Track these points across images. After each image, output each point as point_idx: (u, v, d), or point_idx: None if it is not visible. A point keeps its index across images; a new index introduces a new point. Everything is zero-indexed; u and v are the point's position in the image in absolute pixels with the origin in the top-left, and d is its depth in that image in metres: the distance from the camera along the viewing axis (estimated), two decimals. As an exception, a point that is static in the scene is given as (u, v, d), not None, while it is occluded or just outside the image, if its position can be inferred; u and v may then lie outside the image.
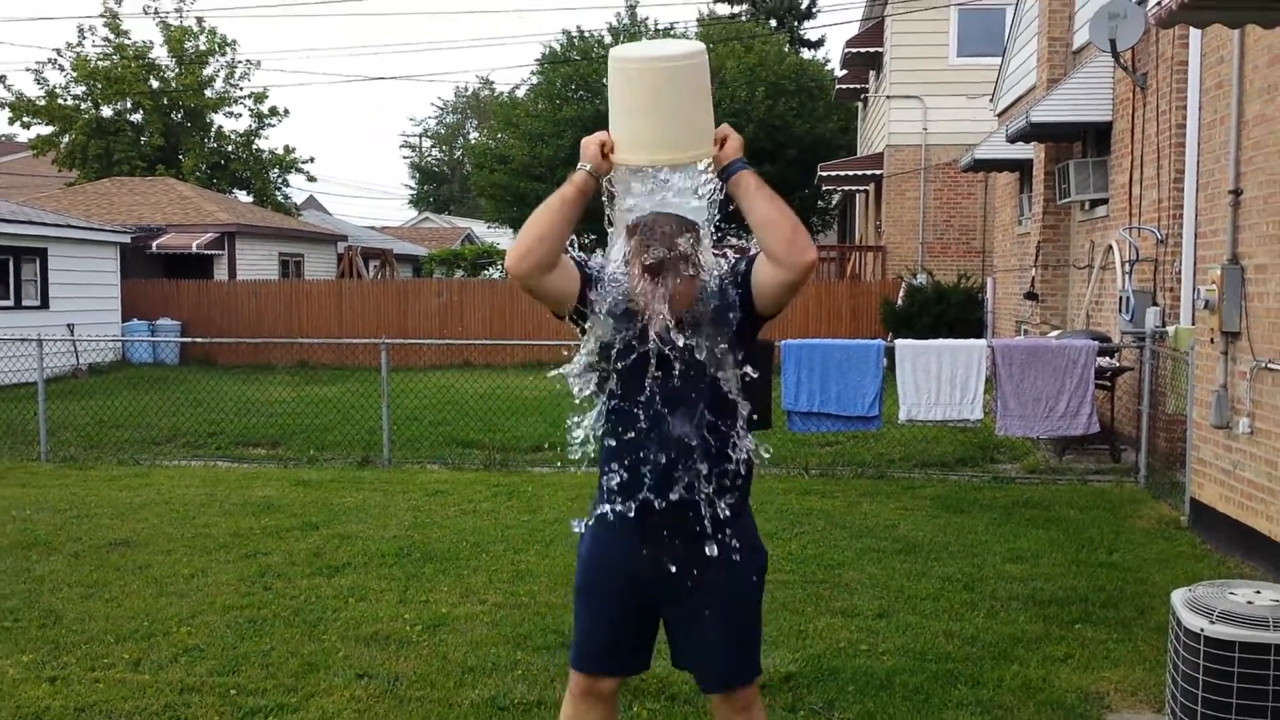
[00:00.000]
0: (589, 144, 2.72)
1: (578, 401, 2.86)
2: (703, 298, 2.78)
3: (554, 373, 2.90)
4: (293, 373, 17.03)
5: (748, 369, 2.80)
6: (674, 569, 2.80)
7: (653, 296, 2.71)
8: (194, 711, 4.05)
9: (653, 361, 2.76)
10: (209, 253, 22.68)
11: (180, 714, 4.03)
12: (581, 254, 2.86)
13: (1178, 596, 3.57)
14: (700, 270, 2.76)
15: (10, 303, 17.07)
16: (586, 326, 2.81)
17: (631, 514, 2.80)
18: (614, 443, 2.85)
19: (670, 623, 2.92)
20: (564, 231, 2.73)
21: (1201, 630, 3.36)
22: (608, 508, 2.84)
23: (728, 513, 2.81)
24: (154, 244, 22.22)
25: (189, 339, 16.36)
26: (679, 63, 2.56)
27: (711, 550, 2.79)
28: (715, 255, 2.83)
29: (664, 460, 2.76)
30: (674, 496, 2.77)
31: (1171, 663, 3.55)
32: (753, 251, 2.79)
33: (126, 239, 20.12)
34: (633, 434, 2.79)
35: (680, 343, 2.73)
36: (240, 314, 20.14)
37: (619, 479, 2.82)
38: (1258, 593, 3.50)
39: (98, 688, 4.27)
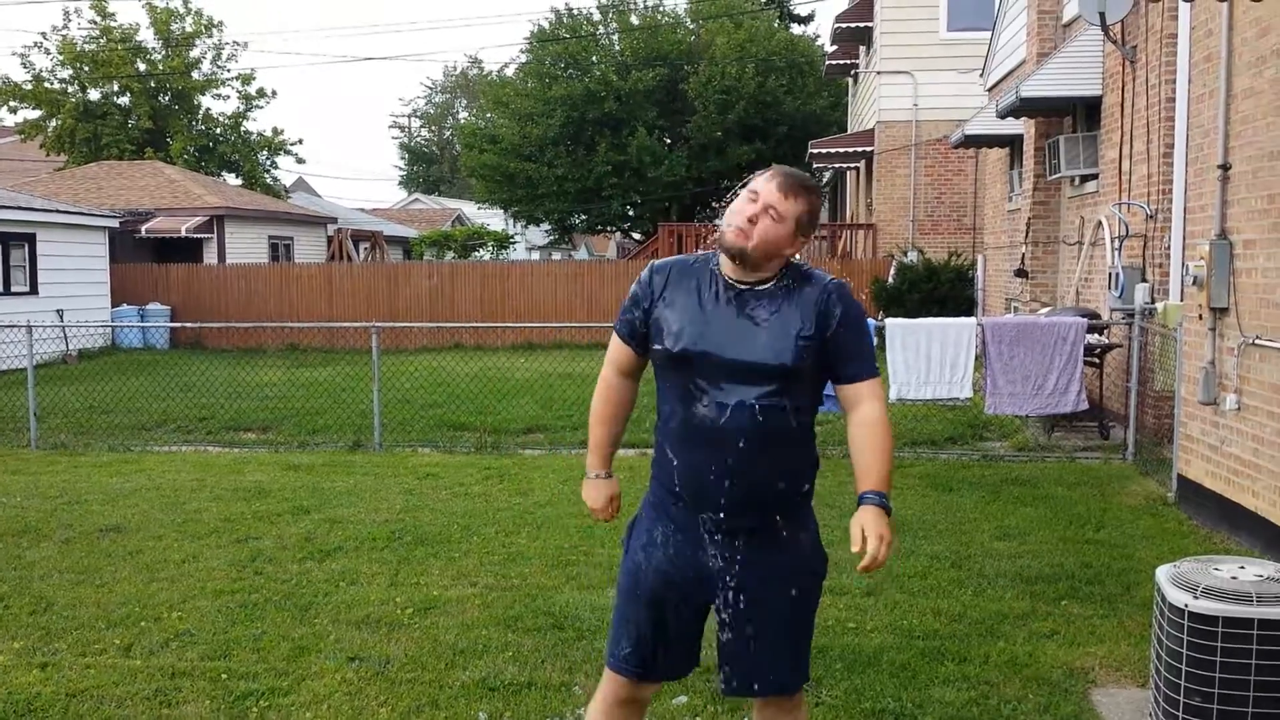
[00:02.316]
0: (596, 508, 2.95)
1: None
2: (789, 276, 2.70)
3: None
4: (283, 356, 17.00)
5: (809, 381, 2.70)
6: (736, 569, 2.67)
7: (752, 207, 2.62)
8: (185, 696, 4.06)
9: (709, 320, 2.65)
10: (198, 236, 22.58)
11: (171, 699, 4.04)
12: (634, 319, 2.81)
13: (1162, 572, 3.58)
14: (799, 231, 2.65)
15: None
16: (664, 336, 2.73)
17: (691, 510, 2.68)
18: (674, 422, 2.69)
19: (725, 628, 2.74)
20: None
21: (1186, 605, 3.38)
22: (665, 496, 2.74)
23: (794, 509, 2.71)
24: (143, 228, 22.12)
25: (179, 323, 16.30)
26: None
27: (775, 549, 2.68)
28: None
29: (728, 449, 2.60)
30: (740, 490, 2.62)
31: (1156, 638, 3.57)
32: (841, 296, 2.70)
33: (115, 223, 20.02)
34: (693, 419, 2.64)
35: (746, 296, 2.66)
36: (230, 298, 20.09)
37: (679, 463, 2.68)
38: (1242, 568, 3.52)
39: (89, 673, 4.28)
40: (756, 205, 2.62)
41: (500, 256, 34.14)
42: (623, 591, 2.82)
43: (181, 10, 31.25)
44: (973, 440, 9.44)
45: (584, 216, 31.81)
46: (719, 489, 2.62)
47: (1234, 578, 3.43)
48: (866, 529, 2.57)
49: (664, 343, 2.67)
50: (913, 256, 17.21)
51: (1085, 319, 8.61)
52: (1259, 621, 3.29)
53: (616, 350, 2.85)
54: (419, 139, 63.99)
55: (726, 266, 2.70)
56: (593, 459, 2.90)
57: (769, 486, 2.64)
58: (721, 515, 2.64)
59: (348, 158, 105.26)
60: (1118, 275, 9.16)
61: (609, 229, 35.18)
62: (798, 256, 2.73)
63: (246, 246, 23.78)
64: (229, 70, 32.26)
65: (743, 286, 2.68)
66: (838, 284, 2.71)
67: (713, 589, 2.70)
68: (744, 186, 2.71)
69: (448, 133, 61.34)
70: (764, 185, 2.64)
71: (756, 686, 2.73)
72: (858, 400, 2.69)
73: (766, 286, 2.68)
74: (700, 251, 2.84)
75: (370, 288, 20.09)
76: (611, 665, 2.82)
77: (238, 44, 41.65)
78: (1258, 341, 5.87)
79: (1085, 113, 10.98)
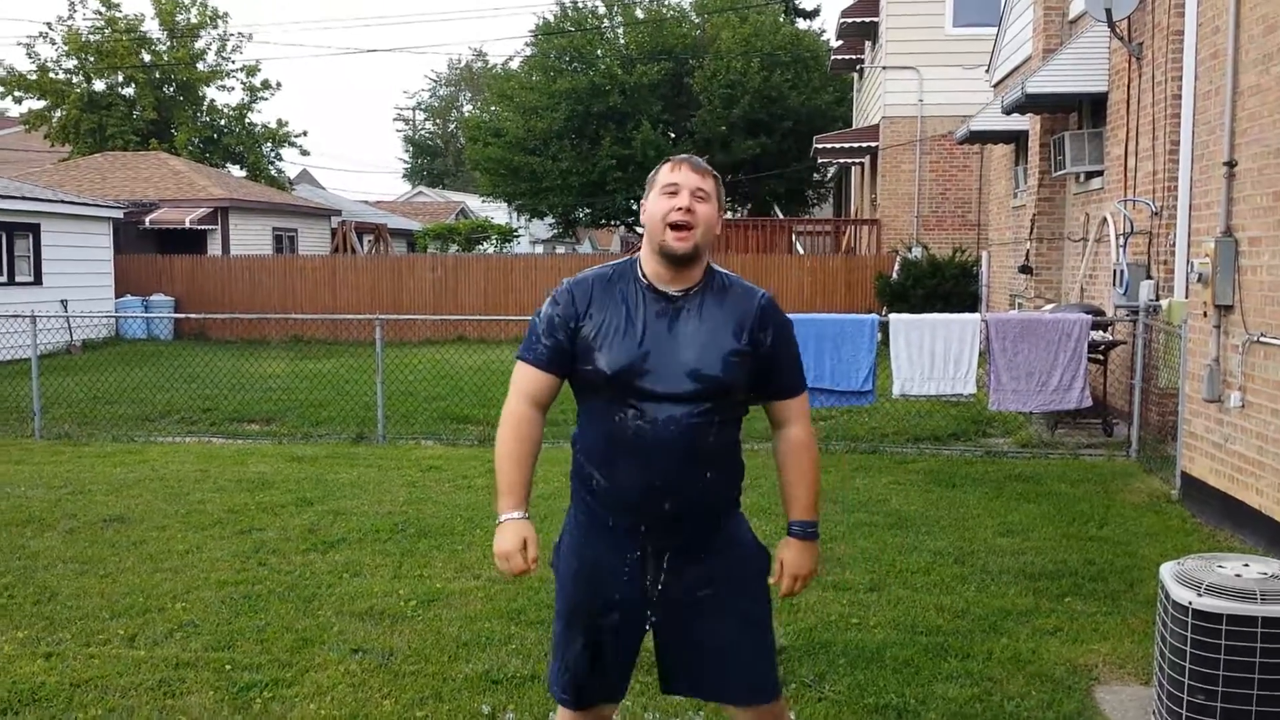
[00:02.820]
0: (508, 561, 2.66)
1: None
2: (714, 280, 2.65)
3: None
4: (287, 348, 17.00)
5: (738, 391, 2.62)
6: (678, 585, 2.60)
7: (680, 197, 2.54)
8: (189, 686, 4.07)
9: (640, 337, 2.54)
10: (202, 228, 22.59)
11: (175, 689, 4.05)
12: (550, 345, 2.67)
13: (1166, 569, 3.58)
14: (721, 209, 2.64)
15: (4, 279, 17.01)
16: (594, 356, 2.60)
17: (620, 521, 2.59)
18: (597, 437, 2.60)
19: (667, 642, 2.67)
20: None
21: (1189, 603, 3.38)
22: (590, 515, 2.64)
23: (727, 518, 2.66)
24: (147, 219, 22.13)
25: (182, 314, 16.30)
26: None
27: (716, 559, 2.61)
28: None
29: (660, 464, 2.52)
30: (674, 505, 2.54)
31: (1159, 635, 3.57)
32: (770, 304, 2.68)
33: (119, 214, 20.04)
34: (623, 436, 2.54)
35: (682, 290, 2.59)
36: (234, 289, 20.11)
37: (603, 480, 2.59)
38: (1246, 565, 3.51)
39: (93, 663, 4.29)
40: (682, 195, 2.55)
41: (504, 250, 34.14)
42: (560, 620, 2.73)
43: (186, 1, 31.25)
44: (976, 436, 9.43)
45: (588, 210, 31.78)
46: (653, 506, 2.54)
47: (1238, 575, 3.42)
48: (786, 567, 2.68)
49: (595, 363, 2.55)
50: (917, 252, 17.19)
51: (1090, 316, 8.60)
52: (1263, 619, 3.28)
53: (532, 380, 2.65)
54: (423, 132, 63.95)
55: (655, 273, 2.61)
56: (506, 502, 2.63)
57: (702, 499, 2.57)
58: (657, 532, 2.57)
59: (352, 150, 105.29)
60: (1122, 272, 9.14)
61: (613, 223, 35.13)
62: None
63: (251, 238, 23.78)
64: (234, 62, 32.27)
65: (674, 293, 2.60)
66: (769, 298, 2.68)
67: (654, 609, 2.62)
68: (647, 195, 2.64)
69: (452, 126, 61.31)
70: (679, 175, 2.58)
71: (727, 695, 2.68)
72: (786, 418, 2.69)
73: (694, 291, 2.60)
74: (616, 261, 2.73)
75: (374, 280, 20.11)
76: (556, 697, 2.74)
77: (242, 35, 41.81)
78: (1262, 339, 5.86)
79: (1091, 109, 10.95)
